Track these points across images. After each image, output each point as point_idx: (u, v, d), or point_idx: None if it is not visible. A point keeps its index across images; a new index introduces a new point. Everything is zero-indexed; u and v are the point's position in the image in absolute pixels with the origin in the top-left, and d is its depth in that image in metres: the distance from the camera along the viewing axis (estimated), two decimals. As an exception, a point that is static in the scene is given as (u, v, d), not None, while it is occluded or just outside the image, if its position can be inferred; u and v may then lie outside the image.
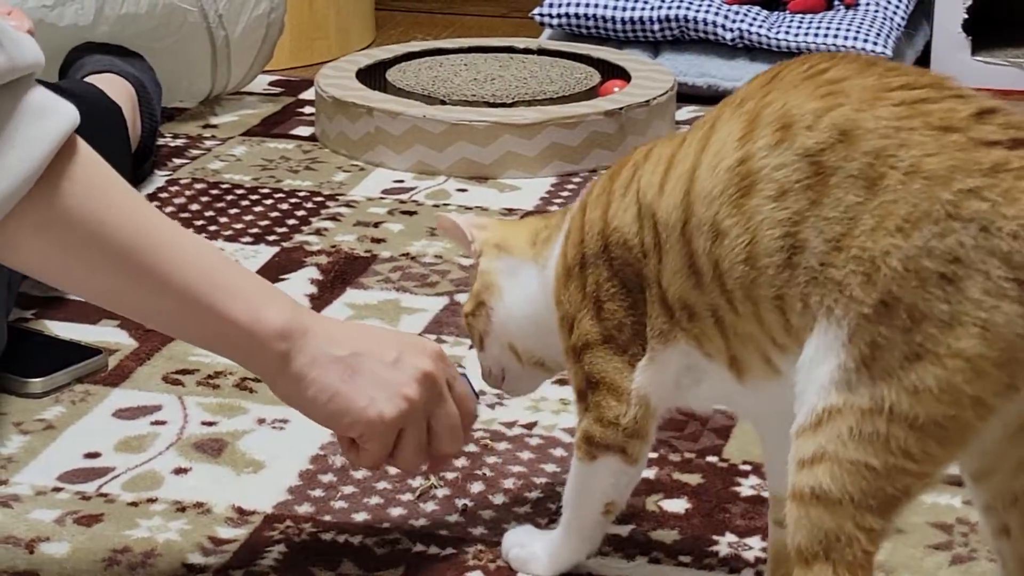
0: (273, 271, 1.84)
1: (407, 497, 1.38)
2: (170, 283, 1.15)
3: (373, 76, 2.36)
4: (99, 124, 1.91)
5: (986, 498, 1.09)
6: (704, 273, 1.09)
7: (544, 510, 1.36)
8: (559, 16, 2.61)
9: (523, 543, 1.28)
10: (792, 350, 1.06)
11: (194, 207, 2.03)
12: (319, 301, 1.76)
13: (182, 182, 2.12)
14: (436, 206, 2.04)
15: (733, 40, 2.51)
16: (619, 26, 2.58)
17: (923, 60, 2.67)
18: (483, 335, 1.29)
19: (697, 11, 2.54)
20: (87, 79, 2.07)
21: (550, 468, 1.43)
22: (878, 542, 1.02)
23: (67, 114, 1.13)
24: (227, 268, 1.20)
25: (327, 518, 1.35)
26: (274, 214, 2.02)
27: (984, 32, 2.68)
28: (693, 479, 1.41)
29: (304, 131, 2.34)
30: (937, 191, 0.99)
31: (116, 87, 2.05)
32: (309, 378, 1.20)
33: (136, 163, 2.07)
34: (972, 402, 0.99)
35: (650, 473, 1.42)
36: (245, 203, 2.05)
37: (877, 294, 1.00)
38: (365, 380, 1.20)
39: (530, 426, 1.50)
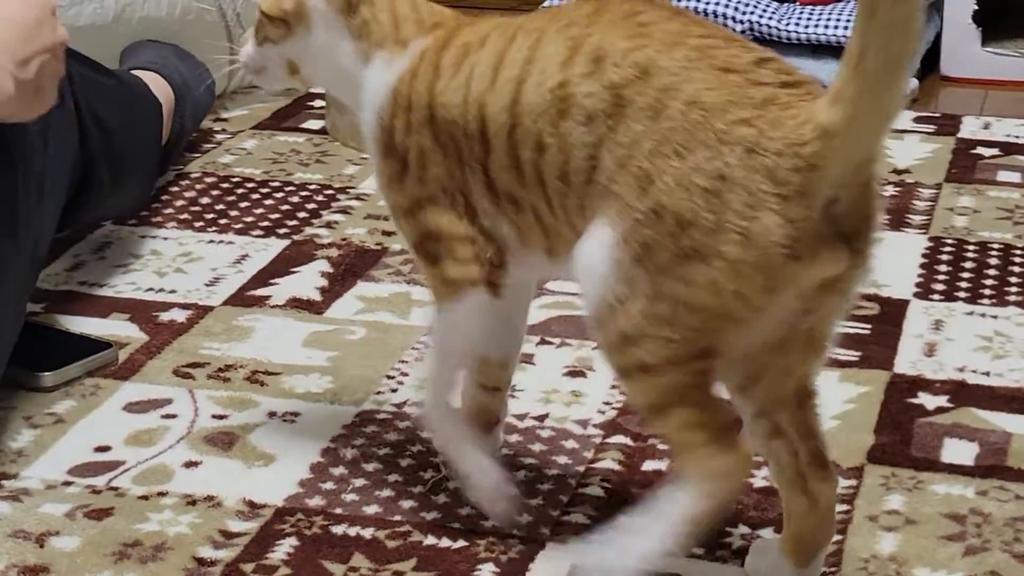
0: (284, 264, 1.84)
1: (418, 490, 1.38)
2: None
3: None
4: (139, 113, 1.92)
5: (755, 406, 1.21)
6: (528, 176, 1.21)
7: (556, 502, 1.36)
8: (569, 8, 2.60)
9: None
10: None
11: (205, 200, 2.03)
12: (330, 294, 1.76)
13: (193, 176, 2.12)
14: (446, 199, 2.04)
15: (743, 32, 2.51)
16: (629, 18, 2.57)
17: (933, 51, 2.66)
18: (268, 39, 1.35)
19: (707, 4, 2.54)
20: (133, 71, 2.07)
21: (561, 460, 1.42)
22: (713, 378, 1.17)
23: None
24: None
25: (338, 511, 1.35)
26: (285, 207, 2.01)
27: (994, 23, 2.67)
28: (705, 471, 1.40)
29: (314, 124, 2.34)
30: (712, 120, 1.11)
31: (158, 87, 2.05)
32: None
33: (163, 164, 2.07)
34: (736, 296, 1.12)
35: (662, 465, 1.41)
36: (256, 196, 2.05)
37: (649, 203, 1.12)
38: None
39: (541, 418, 1.50)
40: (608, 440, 1.46)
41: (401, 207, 1.29)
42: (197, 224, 1.96)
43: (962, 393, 1.55)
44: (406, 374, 1.58)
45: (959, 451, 1.44)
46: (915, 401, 1.53)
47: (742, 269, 1.11)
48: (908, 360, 1.62)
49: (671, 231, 1.12)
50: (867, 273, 1.15)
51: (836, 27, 2.50)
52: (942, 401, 1.53)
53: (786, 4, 2.62)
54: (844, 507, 1.35)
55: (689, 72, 1.13)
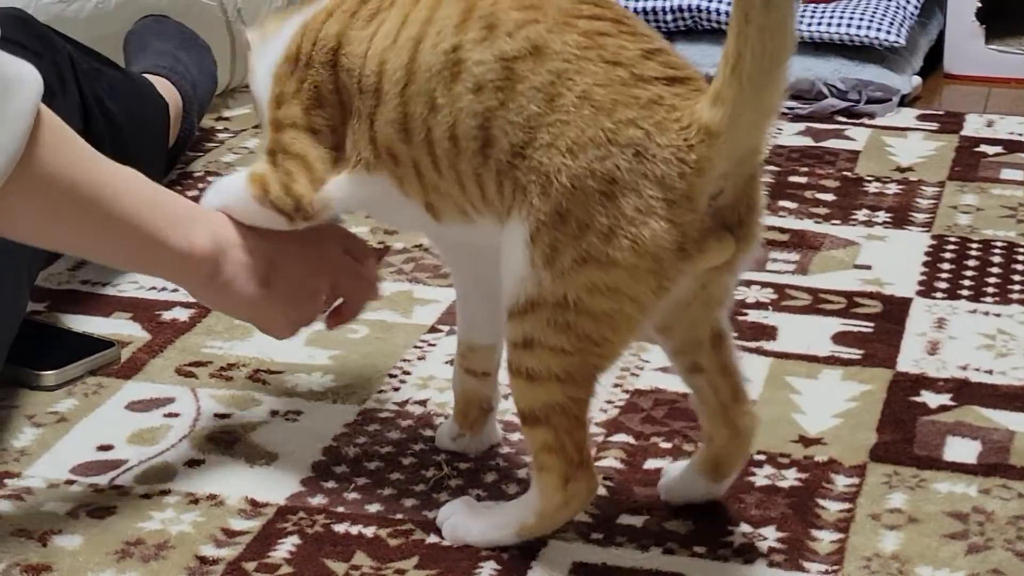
0: (286, 263, 1.84)
1: (420, 488, 1.38)
2: (128, 225, 1.26)
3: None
4: (145, 111, 1.92)
5: (671, 347, 1.28)
6: (415, 133, 1.22)
7: (558, 501, 1.36)
8: (572, 7, 2.60)
9: None
10: (487, 215, 1.22)
11: (207, 199, 2.03)
12: (332, 293, 1.76)
13: (196, 175, 2.12)
14: (449, 197, 2.04)
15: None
16: (632, 16, 2.57)
17: (937, 49, 2.66)
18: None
19: (710, 1, 2.54)
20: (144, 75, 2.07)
21: (564, 459, 1.42)
22: (586, 407, 1.22)
23: (34, 81, 1.17)
24: (166, 200, 1.30)
25: (340, 509, 1.35)
26: (287, 206, 2.01)
27: (998, 21, 2.67)
28: (707, 469, 1.40)
29: (317, 123, 2.33)
30: (601, 119, 1.14)
31: (166, 90, 2.04)
32: (230, 291, 1.33)
33: (171, 165, 2.07)
34: (631, 299, 1.16)
35: (664, 463, 1.41)
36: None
37: (552, 205, 1.15)
38: (277, 293, 1.34)
39: (543, 417, 1.49)
40: (610, 439, 1.46)
41: (278, 119, 1.30)
42: (200, 223, 1.95)
43: (965, 391, 1.55)
44: (408, 373, 1.58)
45: (962, 449, 1.44)
46: (918, 399, 1.53)
47: (636, 274, 1.15)
48: (911, 358, 1.61)
49: (574, 234, 1.16)
50: (755, 251, 1.20)
51: (840, 25, 2.50)
52: (945, 399, 1.53)
53: (789, 2, 2.61)
54: (846, 505, 1.35)
55: (580, 62, 1.16)
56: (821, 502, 1.36)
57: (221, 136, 2.28)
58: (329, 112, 1.28)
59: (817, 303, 1.74)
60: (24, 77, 1.17)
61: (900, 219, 1.99)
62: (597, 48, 1.17)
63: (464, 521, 1.29)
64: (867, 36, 2.48)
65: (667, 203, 1.14)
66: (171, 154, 2.07)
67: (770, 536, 1.31)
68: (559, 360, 1.19)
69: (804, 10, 2.55)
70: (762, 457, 1.42)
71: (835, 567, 1.27)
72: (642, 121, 1.14)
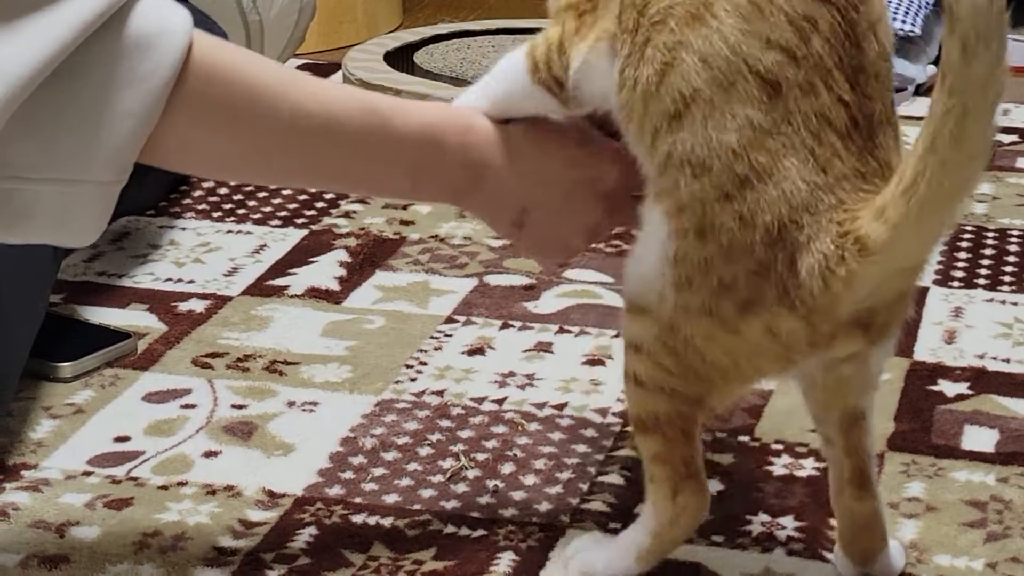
0: (302, 254, 1.84)
1: (438, 479, 1.38)
2: (340, 122, 1.17)
3: (401, 59, 2.36)
4: None
5: (808, 410, 1.22)
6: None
7: (575, 490, 1.36)
8: (586, -3, 2.59)
9: None
10: None
11: (223, 191, 2.03)
12: (348, 283, 1.76)
13: (210, 166, 2.12)
14: (464, 188, 2.03)
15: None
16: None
17: (953, 37, 2.65)
18: None
19: None
20: None
21: (581, 448, 1.42)
22: (695, 424, 1.16)
23: (177, 31, 1.09)
24: (409, 113, 1.21)
25: (358, 500, 1.35)
26: (302, 197, 2.01)
27: (1012, 10, 2.65)
28: (725, 459, 1.40)
29: (331, 114, 2.33)
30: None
31: None
32: (483, 218, 1.27)
33: None
34: (747, 363, 1.11)
35: (681, 453, 1.41)
36: (273, 187, 2.05)
37: (703, 250, 1.08)
38: (532, 235, 1.26)
39: (561, 407, 1.49)
40: (628, 428, 1.46)
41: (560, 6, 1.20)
42: (215, 214, 1.96)
43: (982, 380, 1.54)
44: (425, 363, 1.58)
45: (979, 438, 1.44)
46: (935, 388, 1.53)
47: (759, 351, 1.10)
48: (928, 347, 1.61)
49: (712, 287, 1.09)
50: (890, 346, 1.14)
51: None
52: (962, 388, 1.53)
53: None
54: (864, 494, 1.34)
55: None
56: (839, 491, 1.35)
57: (236, 128, 2.27)
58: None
59: (834, 292, 1.74)
60: (167, 28, 1.09)
61: (917, 208, 1.98)
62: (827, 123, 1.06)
63: (589, 557, 1.23)
64: (883, 25, 2.46)
65: (807, 308, 1.06)
66: None
67: (788, 525, 1.30)
68: (665, 376, 1.13)
69: None
70: (780, 446, 1.42)
71: (853, 556, 1.27)
72: (810, 223, 1.05)
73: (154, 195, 1.96)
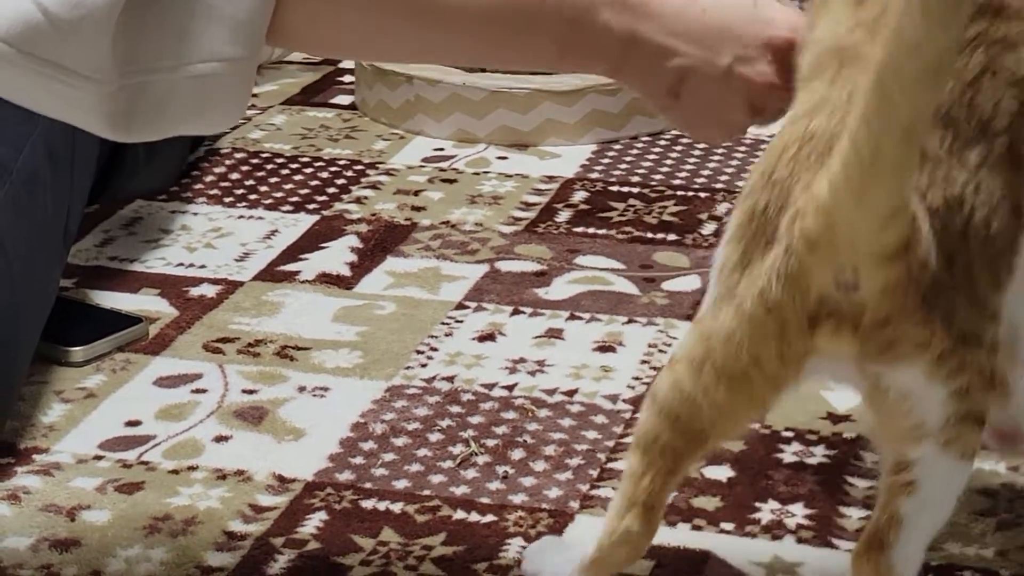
0: (313, 239, 1.84)
1: (448, 464, 1.38)
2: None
3: (412, 44, 2.35)
4: None
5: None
6: None
7: (585, 476, 1.36)
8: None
9: None
10: None
11: (234, 176, 2.03)
12: (359, 269, 1.76)
13: (223, 151, 2.12)
14: (476, 174, 2.03)
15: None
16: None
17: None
18: None
19: None
20: None
21: (591, 435, 1.42)
22: (682, 464, 1.09)
23: None
24: None
25: (368, 485, 1.35)
26: (314, 183, 2.01)
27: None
28: (735, 446, 1.40)
29: (344, 100, 2.34)
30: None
31: None
32: (636, 88, 1.18)
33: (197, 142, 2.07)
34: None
35: (692, 440, 1.41)
36: (285, 172, 2.05)
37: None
38: (689, 105, 1.17)
39: (571, 393, 1.49)
40: (638, 415, 1.45)
41: None
42: (227, 199, 1.96)
43: (994, 368, 1.54)
44: (435, 349, 1.58)
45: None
46: (947, 376, 1.52)
47: (757, 327, 1.03)
48: (940, 335, 1.61)
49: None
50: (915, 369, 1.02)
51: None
52: (974, 376, 1.52)
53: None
54: (875, 483, 1.34)
55: None
56: (850, 479, 1.35)
57: (249, 113, 2.28)
58: None
59: (846, 280, 1.73)
60: None
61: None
62: None
63: (539, 559, 1.22)
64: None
65: (788, 270, 0.99)
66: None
67: (798, 513, 1.30)
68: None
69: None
70: (790, 434, 1.42)
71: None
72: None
73: (167, 177, 1.96)
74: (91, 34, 0.99)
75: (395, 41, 1.12)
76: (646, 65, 1.15)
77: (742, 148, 2.11)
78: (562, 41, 1.13)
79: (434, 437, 1.42)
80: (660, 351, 1.57)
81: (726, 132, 1.21)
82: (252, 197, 1.97)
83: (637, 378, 1.52)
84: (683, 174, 2.03)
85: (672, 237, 1.83)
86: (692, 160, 2.07)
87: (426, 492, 1.34)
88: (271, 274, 1.75)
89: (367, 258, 1.79)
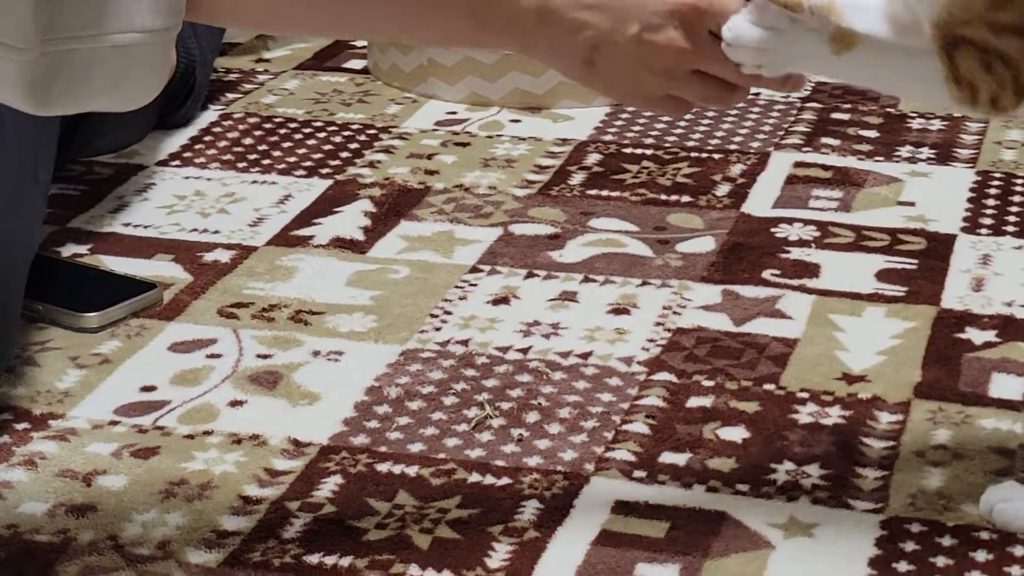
0: (326, 204, 1.84)
1: (462, 428, 1.38)
2: None
3: (425, 7, 2.34)
4: None
5: None
6: None
7: (600, 439, 1.36)
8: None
9: (1007, 497, 1.25)
10: None
11: (247, 141, 2.03)
12: (373, 233, 1.76)
13: (235, 116, 2.12)
14: (489, 137, 2.03)
15: None
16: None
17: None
18: None
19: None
20: None
21: (606, 398, 1.42)
22: None
23: None
24: None
25: (382, 449, 1.35)
26: (327, 147, 2.01)
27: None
28: (750, 407, 1.40)
29: (356, 64, 2.33)
30: None
31: None
32: (553, 62, 1.21)
33: (173, 101, 2.04)
34: None
35: (707, 402, 1.41)
36: (298, 136, 2.05)
37: None
38: (605, 74, 1.19)
39: (585, 356, 1.49)
40: (652, 377, 1.45)
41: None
42: (240, 164, 1.96)
43: (1010, 328, 1.54)
44: (450, 312, 1.58)
45: (1007, 386, 1.43)
46: (963, 336, 1.52)
47: None
48: (955, 295, 1.60)
49: None
50: None
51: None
52: (990, 336, 1.52)
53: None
54: (891, 443, 1.34)
55: None
56: (865, 440, 1.35)
57: (261, 77, 2.27)
58: None
59: (860, 240, 1.73)
60: None
61: (944, 155, 1.97)
62: None
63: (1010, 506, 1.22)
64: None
65: None
66: (180, 79, 2.03)
67: (814, 474, 1.30)
68: None
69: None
70: (805, 395, 1.42)
71: (879, 504, 1.26)
72: None
73: (138, 133, 1.94)
74: (12, 1, 0.99)
75: (313, 15, 1.14)
76: (558, 38, 1.18)
77: (756, 109, 2.10)
78: (476, 16, 1.16)
79: (449, 400, 1.42)
80: (674, 313, 1.57)
81: (645, 100, 1.23)
82: (265, 162, 1.97)
83: (651, 340, 1.52)
84: (697, 136, 2.02)
85: (686, 199, 1.82)
86: (706, 122, 2.06)
87: (441, 455, 1.34)
88: (285, 239, 1.75)
89: (381, 222, 1.79)
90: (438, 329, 1.55)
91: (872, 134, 2.04)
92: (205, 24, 2.08)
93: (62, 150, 1.75)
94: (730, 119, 2.07)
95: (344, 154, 1.99)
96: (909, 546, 1.21)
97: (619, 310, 1.58)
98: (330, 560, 1.21)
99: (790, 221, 1.77)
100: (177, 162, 1.96)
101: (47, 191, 1.61)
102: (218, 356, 1.51)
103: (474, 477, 1.31)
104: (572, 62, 1.20)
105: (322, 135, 2.05)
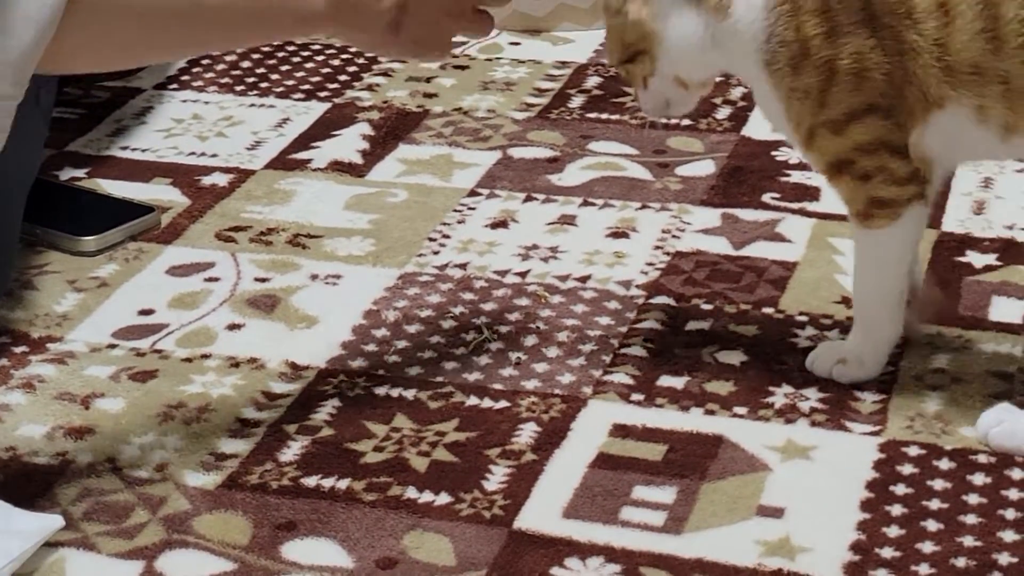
0: (325, 127, 1.83)
1: (460, 351, 1.38)
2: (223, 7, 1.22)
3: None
4: None
5: None
6: (1007, 40, 1.14)
7: (598, 362, 1.35)
8: None
9: (840, 358, 1.31)
10: None
11: (245, 64, 2.02)
12: (371, 157, 1.75)
13: (233, 39, 2.10)
14: (488, 60, 2.02)
15: None
16: None
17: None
18: (646, 76, 1.30)
19: None
20: None
21: (604, 320, 1.42)
22: None
23: None
24: None
25: (380, 372, 1.35)
26: (325, 70, 2.00)
27: None
28: (749, 331, 1.39)
29: (355, -14, 2.31)
30: None
31: None
32: (359, 32, 1.29)
33: None
34: None
35: (705, 325, 1.40)
36: (296, 60, 2.03)
37: None
38: (407, 38, 1.27)
39: (584, 279, 1.49)
40: (651, 300, 1.45)
41: (823, 124, 1.22)
42: (238, 88, 1.95)
43: (1011, 251, 1.53)
44: (448, 236, 1.57)
45: (1007, 309, 1.43)
46: (963, 259, 1.52)
47: None
48: (956, 218, 1.60)
49: None
50: None
51: None
52: (990, 259, 1.51)
53: None
54: (889, 367, 1.34)
55: None
56: (863, 363, 1.35)
57: None
58: (878, 74, 1.20)
59: (861, 164, 1.72)
60: None
61: (947, 78, 1.95)
62: None
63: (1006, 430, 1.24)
64: None
65: None
66: None
67: (812, 397, 1.30)
68: None
69: None
70: (804, 318, 1.41)
71: (878, 427, 1.26)
72: None
73: None
74: None
75: (162, 46, 1.24)
76: (364, 8, 1.25)
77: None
78: (295, 13, 1.24)
79: (447, 324, 1.42)
80: (673, 236, 1.56)
81: (446, 47, 1.32)
82: (263, 85, 1.95)
83: (651, 264, 1.51)
84: (698, 59, 2.00)
85: (686, 122, 1.81)
86: (707, 44, 2.05)
87: (439, 379, 1.34)
88: (283, 162, 1.74)
89: (379, 146, 1.78)
90: (436, 253, 1.54)
91: (874, 57, 2.03)
92: None
93: (66, 77, 1.73)
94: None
95: (342, 77, 1.97)
96: (907, 469, 1.22)
97: (618, 233, 1.57)
98: (327, 483, 1.21)
99: (791, 145, 1.76)
100: (175, 85, 1.95)
101: (49, 114, 1.60)
102: (216, 280, 1.50)
103: (472, 400, 1.31)
104: (376, 31, 1.26)
105: (320, 58, 2.04)
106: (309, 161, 1.74)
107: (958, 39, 1.16)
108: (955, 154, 1.26)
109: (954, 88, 1.18)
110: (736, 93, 1.89)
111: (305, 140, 1.80)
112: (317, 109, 1.88)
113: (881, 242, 1.26)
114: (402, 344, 1.39)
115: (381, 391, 1.32)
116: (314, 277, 1.50)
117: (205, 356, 1.38)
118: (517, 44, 2.07)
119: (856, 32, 1.19)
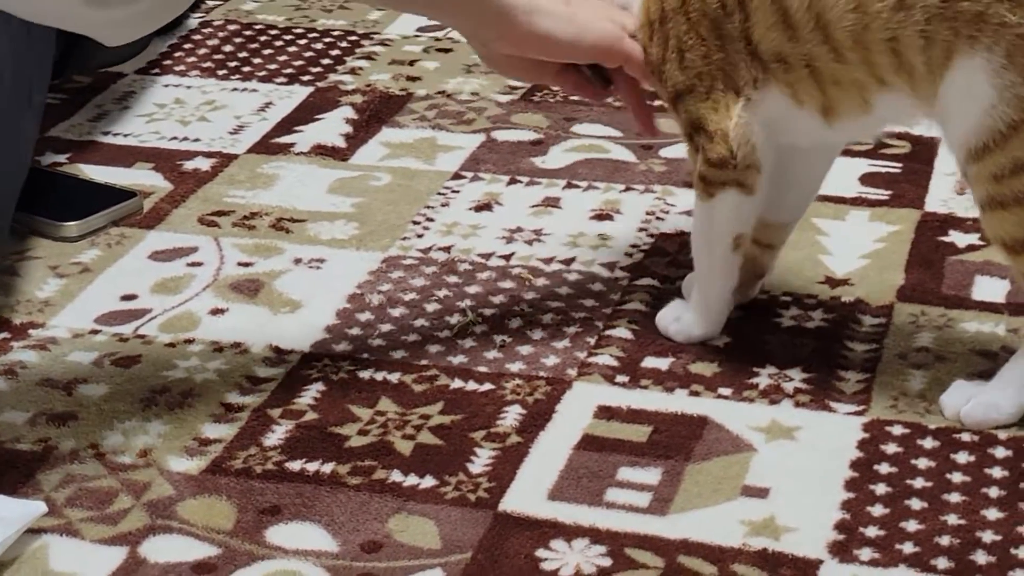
0: (308, 111, 1.82)
1: (445, 334, 1.37)
2: None
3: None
4: None
5: None
6: (801, 27, 1.19)
7: (583, 344, 1.35)
8: None
9: (677, 316, 1.36)
10: (898, 87, 1.19)
11: (228, 48, 2.01)
12: (354, 140, 1.75)
13: (215, 23, 2.10)
14: (472, 43, 2.01)
15: None
16: None
17: None
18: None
19: None
20: None
21: (589, 303, 1.42)
22: None
23: None
24: None
25: (364, 356, 1.35)
26: (308, 54, 1.99)
27: None
28: (733, 312, 1.39)
29: (337, -30, 2.30)
30: None
31: None
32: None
33: None
34: None
35: (689, 306, 1.40)
36: (279, 44, 2.03)
37: None
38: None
39: (568, 262, 1.49)
40: (635, 282, 1.45)
41: (668, 95, 1.29)
42: (220, 72, 1.94)
43: (994, 231, 1.53)
44: (432, 219, 1.57)
45: (990, 288, 1.43)
46: (946, 239, 1.52)
47: None
48: (939, 198, 1.60)
49: None
50: None
51: None
52: (973, 239, 1.51)
53: None
54: (873, 345, 1.34)
55: None
56: (848, 343, 1.35)
57: (241, -16, 2.25)
58: (694, 55, 1.25)
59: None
60: None
61: (930, 58, 1.95)
62: None
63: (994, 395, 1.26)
64: None
65: None
66: None
67: (796, 377, 1.30)
68: None
69: None
70: (788, 299, 1.41)
71: (862, 407, 1.26)
72: None
73: (132, 48, 1.93)
74: None
75: None
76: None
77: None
78: None
79: (431, 307, 1.42)
80: (658, 219, 1.56)
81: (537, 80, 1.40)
82: (246, 69, 1.95)
83: (635, 246, 1.51)
84: (681, 40, 2.00)
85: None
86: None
87: (423, 362, 1.33)
88: (266, 146, 1.74)
89: (362, 129, 1.78)
90: (420, 236, 1.54)
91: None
92: None
93: (61, 69, 1.73)
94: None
95: (325, 61, 1.97)
96: (891, 448, 1.22)
97: (602, 216, 1.57)
98: (312, 467, 1.21)
99: (774, 125, 1.76)
100: (157, 70, 1.94)
101: (40, 113, 1.60)
102: (199, 264, 1.50)
103: (456, 383, 1.30)
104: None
105: (303, 42, 2.03)
106: (292, 145, 1.74)
107: (758, 32, 1.21)
108: (785, 139, 1.29)
109: (767, 72, 1.23)
110: (719, 74, 1.88)
111: (288, 124, 1.79)
112: (300, 93, 1.87)
113: (699, 214, 1.32)
114: (386, 328, 1.39)
115: (365, 375, 1.32)
116: (297, 261, 1.50)
117: (188, 341, 1.37)
118: (500, 27, 2.06)
119: (675, 19, 1.26)
